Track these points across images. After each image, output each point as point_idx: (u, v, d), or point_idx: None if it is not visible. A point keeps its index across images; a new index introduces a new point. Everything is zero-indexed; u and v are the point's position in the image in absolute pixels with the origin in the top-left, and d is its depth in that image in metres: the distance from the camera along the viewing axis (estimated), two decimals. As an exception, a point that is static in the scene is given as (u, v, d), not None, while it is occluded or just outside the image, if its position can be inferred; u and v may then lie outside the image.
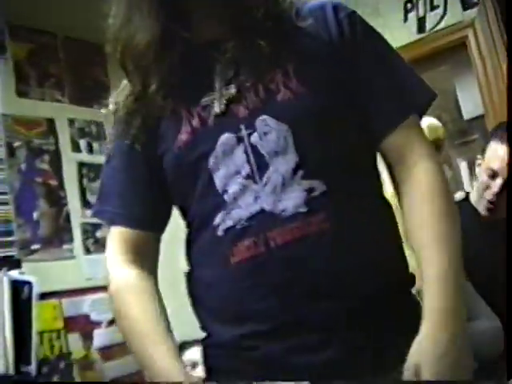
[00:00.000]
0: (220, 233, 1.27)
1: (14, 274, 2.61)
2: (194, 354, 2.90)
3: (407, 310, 1.28)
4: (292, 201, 1.23)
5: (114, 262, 1.42)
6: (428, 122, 2.23)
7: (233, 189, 1.26)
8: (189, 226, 1.38)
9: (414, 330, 1.21)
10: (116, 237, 1.43)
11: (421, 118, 1.39)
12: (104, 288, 3.59)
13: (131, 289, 1.39)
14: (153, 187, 1.39)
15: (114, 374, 3.53)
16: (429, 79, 1.48)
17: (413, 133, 1.34)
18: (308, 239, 1.22)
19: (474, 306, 2.20)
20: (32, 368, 2.53)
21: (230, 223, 1.26)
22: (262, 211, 1.24)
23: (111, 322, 3.55)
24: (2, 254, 2.74)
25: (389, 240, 1.32)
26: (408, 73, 1.39)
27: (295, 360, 1.23)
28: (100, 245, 3.61)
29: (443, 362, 1.18)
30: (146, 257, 1.42)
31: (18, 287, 2.55)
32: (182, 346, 2.94)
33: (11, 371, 2.50)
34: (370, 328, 1.24)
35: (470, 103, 3.80)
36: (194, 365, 2.86)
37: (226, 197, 1.26)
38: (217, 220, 1.27)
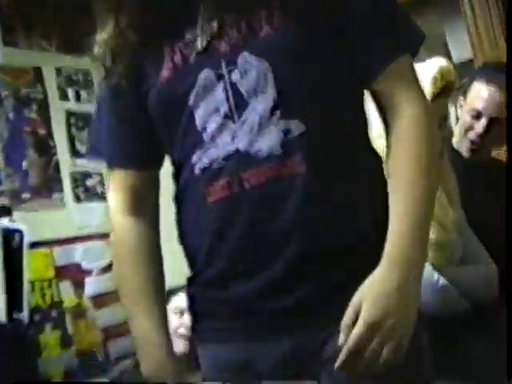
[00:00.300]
0: (197, 171, 1.27)
1: (5, 221, 2.61)
2: (182, 300, 2.93)
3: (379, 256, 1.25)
4: (267, 142, 1.21)
5: (116, 211, 1.45)
6: (439, 64, 2.10)
7: (211, 127, 1.25)
8: (173, 164, 1.38)
9: None
10: (116, 185, 1.45)
11: (413, 57, 1.35)
12: (95, 237, 3.64)
13: (129, 247, 1.42)
14: (143, 124, 1.38)
15: (107, 321, 3.57)
16: (418, 23, 1.44)
17: (403, 75, 1.31)
18: (282, 181, 1.21)
19: (473, 250, 2.20)
20: (24, 315, 2.55)
21: (206, 162, 1.25)
22: (238, 151, 1.23)
23: (103, 271, 3.57)
24: (-7, 203, 2.74)
25: (369, 188, 1.29)
26: (399, 12, 1.36)
27: (267, 303, 1.24)
28: (90, 193, 3.61)
29: (383, 302, 1.17)
30: (146, 204, 1.44)
31: (8, 235, 2.56)
32: (170, 293, 2.96)
33: (3, 318, 2.51)
34: (341, 271, 1.24)
35: (459, 47, 3.78)
36: (181, 312, 2.89)
37: (204, 135, 1.25)
38: (194, 158, 1.26)
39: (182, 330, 2.83)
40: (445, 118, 2.17)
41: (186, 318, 2.86)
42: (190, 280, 1.38)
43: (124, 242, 1.43)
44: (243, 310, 1.27)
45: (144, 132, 1.39)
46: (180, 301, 2.90)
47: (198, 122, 1.26)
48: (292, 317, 1.23)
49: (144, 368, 1.41)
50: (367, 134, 1.36)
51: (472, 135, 2.41)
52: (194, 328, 1.40)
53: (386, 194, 1.29)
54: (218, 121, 1.24)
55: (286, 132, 1.22)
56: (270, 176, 1.21)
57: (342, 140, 1.27)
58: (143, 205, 1.43)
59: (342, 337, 1.18)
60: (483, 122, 2.37)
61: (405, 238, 1.22)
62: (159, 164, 1.47)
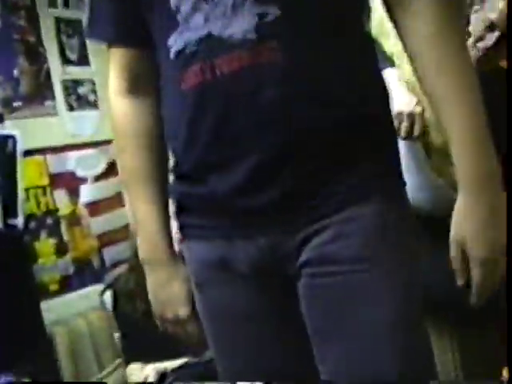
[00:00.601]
0: (172, 56, 1.21)
1: (-4, 128, 2.61)
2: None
3: (364, 145, 1.21)
4: (241, 25, 1.14)
5: (115, 93, 1.41)
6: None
7: (185, 7, 1.18)
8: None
9: (368, 165, 1.20)
10: (115, 65, 1.40)
11: None
12: (89, 145, 3.65)
13: (129, 128, 1.41)
14: (135, 3, 1.30)
15: (102, 228, 3.61)
16: None
17: None
18: (256, 69, 1.15)
19: None
20: (19, 220, 2.57)
21: (180, 45, 1.19)
22: (210, 35, 1.16)
23: (97, 178, 3.60)
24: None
25: (352, 75, 1.21)
26: None
27: (244, 199, 1.22)
28: (83, 101, 3.60)
29: (487, 235, 1.16)
30: (145, 85, 1.40)
31: (1, 142, 2.56)
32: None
33: (-1, 225, 2.54)
34: (316, 161, 1.19)
35: None
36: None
37: (178, 16, 1.19)
38: (170, 41, 1.21)
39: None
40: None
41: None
42: (174, 173, 1.37)
43: (123, 124, 1.41)
44: (220, 205, 1.24)
45: (137, 10, 1.31)
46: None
47: (172, 1, 1.20)
48: (268, 215, 1.21)
49: (140, 250, 1.43)
50: (359, 18, 1.27)
51: (482, 45, 2.38)
52: (179, 224, 1.40)
53: (378, 74, 1.27)
54: (191, 0, 1.17)
55: (261, 16, 1.14)
56: (244, 63, 1.15)
57: (324, 24, 1.18)
58: (142, 85, 1.39)
59: (459, 276, 1.20)
60: (496, 34, 2.33)
61: (476, 155, 1.16)
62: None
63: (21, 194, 2.57)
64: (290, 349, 1.34)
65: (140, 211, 1.42)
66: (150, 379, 2.75)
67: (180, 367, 2.78)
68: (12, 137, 2.56)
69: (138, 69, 1.39)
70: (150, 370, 2.77)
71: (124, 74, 1.39)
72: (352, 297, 1.20)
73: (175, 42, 1.20)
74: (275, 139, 1.17)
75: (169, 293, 1.41)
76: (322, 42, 1.18)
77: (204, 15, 1.17)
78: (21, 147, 2.56)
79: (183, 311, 1.41)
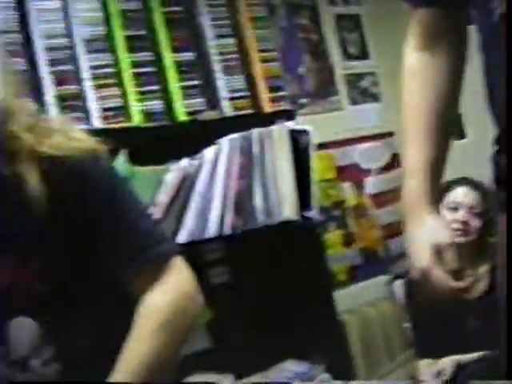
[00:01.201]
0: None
1: (291, 124, 2.70)
2: (457, 195, 2.88)
3: None
4: None
5: (409, 46, 1.50)
6: None
7: None
8: None
9: None
10: (415, 23, 1.48)
11: None
12: (372, 137, 3.67)
13: (419, 79, 1.47)
14: None
15: (387, 219, 3.62)
16: None
17: None
18: None
19: None
20: (314, 213, 2.64)
21: None
22: None
23: (381, 170, 3.62)
24: (276, 108, 2.84)
25: None
26: None
27: None
28: (365, 95, 3.64)
29: None
30: (443, 42, 1.46)
31: (295, 137, 2.65)
32: (446, 188, 2.91)
33: (295, 216, 2.63)
34: None
35: None
36: (455, 207, 2.85)
37: None
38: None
39: (456, 225, 2.79)
40: None
41: (460, 214, 2.82)
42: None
43: (414, 76, 1.47)
44: None
45: None
46: (455, 196, 2.85)
47: None
48: None
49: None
50: None
51: None
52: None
53: None
54: None
55: None
56: None
57: None
58: (439, 44, 1.45)
59: None
60: None
61: None
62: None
63: (315, 186, 2.64)
64: None
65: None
66: (446, 372, 2.69)
67: (476, 360, 2.69)
68: (305, 132, 2.63)
69: (438, 27, 1.44)
70: (446, 363, 2.71)
71: (421, 30, 1.46)
72: None
73: None
74: None
75: None
76: None
77: None
78: (313, 141, 2.63)
79: None
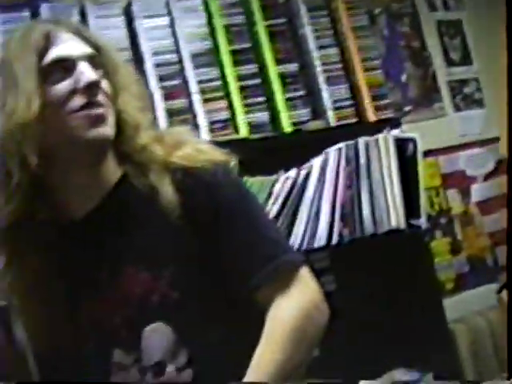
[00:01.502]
0: None
1: (396, 132, 2.69)
2: None
3: None
4: None
5: None
6: None
7: None
8: None
9: None
10: None
11: None
12: (477, 143, 3.61)
13: None
14: None
15: (494, 227, 3.55)
16: None
17: None
18: None
19: None
20: (422, 221, 2.62)
21: None
22: None
23: (486, 177, 3.55)
24: (381, 117, 2.83)
25: None
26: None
27: None
28: (469, 101, 3.58)
29: None
30: None
31: (401, 144, 2.63)
32: None
33: (402, 225, 2.61)
34: None
35: None
36: None
37: None
38: None
39: None
40: None
41: None
42: None
43: None
44: None
45: None
46: None
47: None
48: None
49: None
50: None
51: None
52: None
53: None
54: None
55: None
56: None
57: None
58: None
59: None
60: None
61: None
62: None
63: (423, 194, 2.62)
64: None
65: None
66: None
67: None
68: (411, 139, 2.61)
69: None
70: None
71: None
72: None
73: None
74: None
75: None
76: None
77: None
78: (420, 148, 2.61)
79: None
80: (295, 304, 1.28)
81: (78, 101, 1.24)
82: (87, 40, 1.32)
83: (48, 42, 1.26)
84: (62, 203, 1.32)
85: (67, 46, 1.28)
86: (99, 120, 1.25)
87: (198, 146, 1.35)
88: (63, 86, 1.24)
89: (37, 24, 1.36)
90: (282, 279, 1.30)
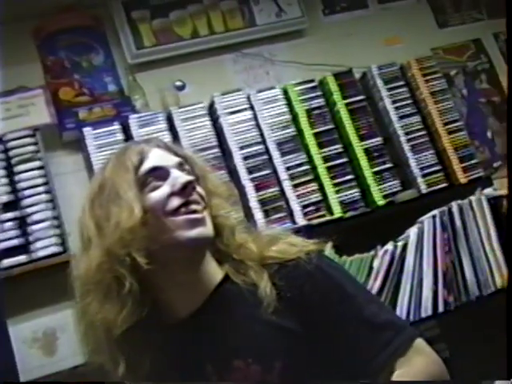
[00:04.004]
0: None
1: (489, 191, 2.63)
2: None
3: None
4: None
5: None
6: None
7: None
8: None
9: None
10: None
11: None
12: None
13: None
14: None
15: None
16: None
17: None
18: None
19: None
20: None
21: None
22: None
23: None
24: (471, 177, 2.79)
25: None
26: None
27: None
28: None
29: None
30: None
31: (495, 203, 2.58)
32: None
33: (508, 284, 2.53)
34: None
35: None
36: None
37: None
38: None
39: None
40: None
41: None
42: None
43: None
44: None
45: None
46: None
47: None
48: None
49: None
50: None
51: None
52: None
53: None
54: None
55: None
56: None
57: None
58: None
59: None
60: None
61: None
62: None
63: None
64: None
65: None
66: None
67: None
68: (504, 196, 2.55)
69: None
70: None
71: None
72: None
73: None
74: None
75: None
76: None
77: None
78: (515, 205, 2.54)
79: None
80: (417, 372, 1.27)
81: (176, 201, 1.29)
82: (175, 152, 1.38)
83: (142, 157, 1.33)
84: (168, 303, 1.34)
85: (159, 157, 1.34)
86: (199, 221, 1.29)
87: (290, 240, 1.37)
88: (161, 192, 1.29)
89: (130, 145, 1.43)
90: (402, 359, 1.27)
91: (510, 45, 2.03)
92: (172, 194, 1.30)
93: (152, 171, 1.31)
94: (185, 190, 1.30)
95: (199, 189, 1.34)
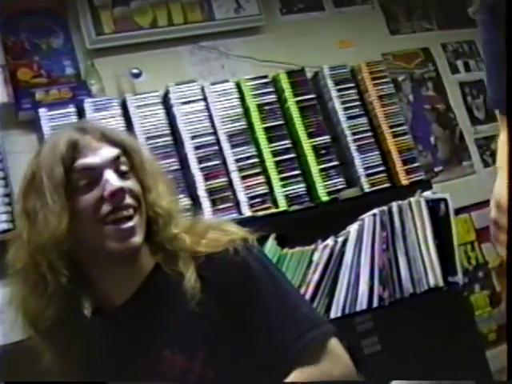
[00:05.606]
0: None
1: (428, 194, 2.69)
2: None
3: None
4: None
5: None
6: None
7: None
8: None
9: None
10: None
11: None
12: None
13: None
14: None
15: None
16: None
17: None
18: None
19: None
20: (459, 278, 2.60)
21: None
22: None
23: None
24: (412, 180, 2.84)
25: None
26: None
27: None
28: (495, 156, 3.56)
29: None
30: None
31: (434, 205, 2.63)
32: None
33: (441, 283, 2.60)
34: None
35: None
36: None
37: None
38: None
39: None
40: None
41: None
42: None
43: None
44: None
45: None
46: None
47: None
48: None
49: None
50: None
51: None
52: None
53: None
54: None
55: None
56: None
57: None
58: None
59: None
60: None
61: None
62: None
63: (457, 251, 2.60)
64: None
65: None
66: None
67: None
68: (443, 199, 2.61)
69: None
70: None
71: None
72: None
73: None
74: None
75: None
76: None
77: None
78: (452, 207, 2.60)
79: None
80: (320, 373, 1.28)
81: (105, 208, 1.25)
82: (113, 142, 1.33)
83: (74, 151, 1.27)
84: (104, 292, 1.34)
85: (93, 153, 1.29)
86: (128, 231, 1.26)
87: (223, 227, 1.36)
88: (90, 196, 1.25)
89: (64, 133, 1.34)
90: (312, 354, 1.28)
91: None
92: (102, 199, 1.26)
93: (84, 170, 1.26)
94: (115, 196, 1.26)
95: (133, 186, 1.30)
